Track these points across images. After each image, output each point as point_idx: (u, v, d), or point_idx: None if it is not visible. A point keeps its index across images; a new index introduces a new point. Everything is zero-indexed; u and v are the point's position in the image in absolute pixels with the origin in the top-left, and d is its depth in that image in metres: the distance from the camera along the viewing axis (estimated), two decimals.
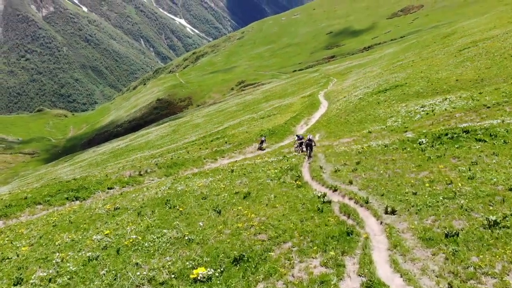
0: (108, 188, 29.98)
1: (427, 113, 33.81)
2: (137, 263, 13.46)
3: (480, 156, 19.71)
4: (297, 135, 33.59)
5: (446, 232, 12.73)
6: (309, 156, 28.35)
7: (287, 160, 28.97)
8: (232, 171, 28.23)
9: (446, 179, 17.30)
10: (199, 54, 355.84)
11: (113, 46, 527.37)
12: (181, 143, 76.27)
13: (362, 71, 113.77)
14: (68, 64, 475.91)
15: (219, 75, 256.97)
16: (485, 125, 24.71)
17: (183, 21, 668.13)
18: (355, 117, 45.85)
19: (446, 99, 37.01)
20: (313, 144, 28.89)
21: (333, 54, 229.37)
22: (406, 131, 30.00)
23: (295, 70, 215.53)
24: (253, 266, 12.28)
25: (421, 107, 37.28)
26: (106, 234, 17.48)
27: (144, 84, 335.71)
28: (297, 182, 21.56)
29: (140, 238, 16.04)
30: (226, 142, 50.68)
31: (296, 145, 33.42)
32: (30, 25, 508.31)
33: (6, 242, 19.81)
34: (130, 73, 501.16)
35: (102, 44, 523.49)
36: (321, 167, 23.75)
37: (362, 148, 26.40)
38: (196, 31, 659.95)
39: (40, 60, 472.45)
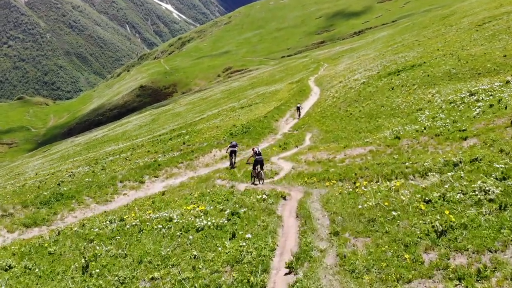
0: None
1: (490, 105, 20.04)
2: None
3: None
4: (254, 150, 18.78)
5: None
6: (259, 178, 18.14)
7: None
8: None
9: None
10: (185, 40, 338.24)
11: (98, 32, 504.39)
12: (139, 140, 62.65)
13: (355, 55, 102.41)
14: (52, 51, 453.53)
15: (205, 61, 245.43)
16: None
17: (169, 7, 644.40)
18: (361, 108, 32.12)
19: (508, 82, 23.26)
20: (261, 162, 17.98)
21: (323, 40, 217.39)
22: (466, 138, 16.38)
23: (283, 56, 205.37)
24: None
25: (469, 94, 23.51)
26: None
27: (128, 71, 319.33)
28: None
29: None
30: (184, 143, 36.80)
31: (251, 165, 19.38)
32: (12, 11, 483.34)
33: None
34: (115, 59, 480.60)
35: (87, 30, 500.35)
36: None
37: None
38: (183, 16, 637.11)
39: (23, 47, 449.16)
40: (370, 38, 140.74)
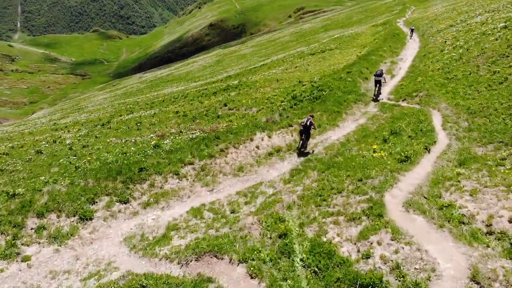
0: None
1: None
2: None
3: None
4: None
5: None
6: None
7: None
8: None
9: None
10: None
11: None
12: (194, 85, 51.62)
13: None
14: None
15: (277, 1, 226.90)
16: None
17: None
18: None
19: None
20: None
21: None
22: None
23: None
24: None
25: None
26: None
27: (200, 8, 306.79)
28: None
29: None
30: (225, 104, 24.57)
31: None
32: None
33: None
34: None
35: None
36: None
37: None
38: None
39: None
40: None
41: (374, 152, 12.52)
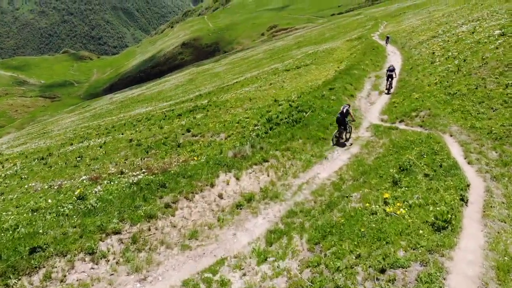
0: None
1: None
2: None
3: None
4: None
5: None
6: None
7: None
8: None
9: None
10: None
11: None
12: (164, 105, 47.60)
13: (423, 11, 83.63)
14: (99, 5, 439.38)
15: (249, 19, 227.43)
16: None
17: None
18: None
19: None
20: None
21: None
22: None
23: (333, 14, 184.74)
24: None
25: None
26: None
27: (172, 27, 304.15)
28: None
29: None
30: (188, 130, 20.49)
31: None
32: None
33: None
34: (161, 15, 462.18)
35: None
36: None
37: None
38: None
39: (71, 0, 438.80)
40: None
41: (386, 204, 8.65)
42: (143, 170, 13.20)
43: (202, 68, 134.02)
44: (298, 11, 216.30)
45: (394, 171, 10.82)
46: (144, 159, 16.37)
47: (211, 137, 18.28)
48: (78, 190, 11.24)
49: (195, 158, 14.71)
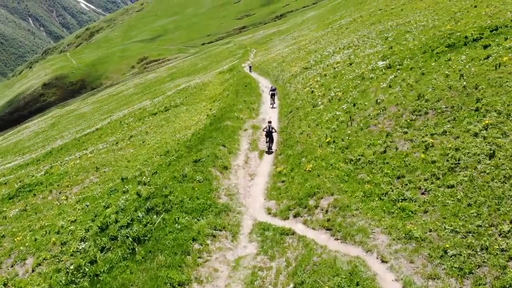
0: None
1: None
2: None
3: None
4: None
5: None
6: None
7: None
8: None
9: None
10: (93, 30, 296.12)
11: None
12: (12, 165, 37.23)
13: (288, 38, 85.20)
14: None
15: (117, 52, 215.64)
16: None
17: None
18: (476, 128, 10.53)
19: None
20: None
21: (244, 25, 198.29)
22: None
23: (204, 43, 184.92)
24: None
25: None
26: None
27: (31, 67, 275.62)
28: None
29: None
30: None
31: None
32: None
33: None
34: (19, 56, 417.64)
35: None
36: None
37: None
38: (92, 6, 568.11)
39: None
40: (299, 19, 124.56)
41: None
42: None
43: (66, 109, 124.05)
44: (168, 42, 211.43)
45: None
46: None
47: (8, 268, 11.25)
48: None
49: None
